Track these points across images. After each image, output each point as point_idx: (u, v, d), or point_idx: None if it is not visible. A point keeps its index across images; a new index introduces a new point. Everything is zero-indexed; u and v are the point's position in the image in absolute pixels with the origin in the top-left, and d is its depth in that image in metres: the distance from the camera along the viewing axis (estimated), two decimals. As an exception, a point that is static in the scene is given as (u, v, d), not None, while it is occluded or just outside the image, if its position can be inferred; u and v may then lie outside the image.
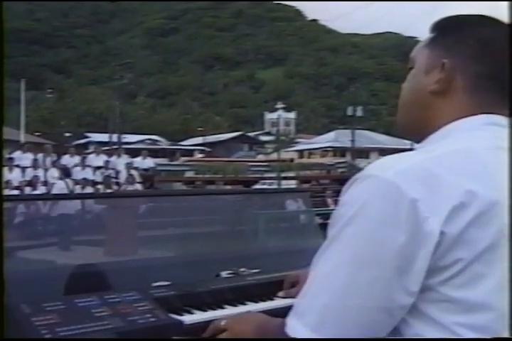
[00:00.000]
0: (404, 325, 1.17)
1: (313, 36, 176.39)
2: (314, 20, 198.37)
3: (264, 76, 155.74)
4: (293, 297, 2.25)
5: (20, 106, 41.46)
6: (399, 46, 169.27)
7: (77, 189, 16.73)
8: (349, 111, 47.23)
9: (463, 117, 1.28)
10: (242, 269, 2.68)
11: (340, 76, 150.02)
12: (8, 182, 16.28)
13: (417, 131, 1.36)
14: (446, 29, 1.36)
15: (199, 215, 3.68)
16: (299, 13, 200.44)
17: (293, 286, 2.34)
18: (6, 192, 15.67)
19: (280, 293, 2.37)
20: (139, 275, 2.45)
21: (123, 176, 18.96)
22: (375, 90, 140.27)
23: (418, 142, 1.36)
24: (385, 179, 1.14)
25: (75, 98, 78.27)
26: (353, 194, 1.18)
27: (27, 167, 17.71)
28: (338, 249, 1.17)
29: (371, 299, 1.13)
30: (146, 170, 20.48)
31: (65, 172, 18.08)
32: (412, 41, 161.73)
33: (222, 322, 1.61)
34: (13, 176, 17.01)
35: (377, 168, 1.19)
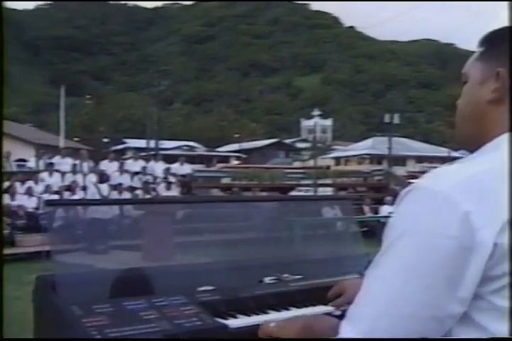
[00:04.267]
0: (455, 333, 1.19)
1: (350, 43, 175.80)
2: (351, 27, 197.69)
3: (301, 83, 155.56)
4: (338, 307, 2.27)
5: (60, 112, 41.97)
6: (436, 53, 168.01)
7: (115, 194, 16.87)
8: (386, 119, 46.89)
9: None
10: (285, 275, 2.70)
11: (377, 83, 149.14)
12: (48, 186, 16.53)
13: (474, 142, 1.37)
14: (495, 41, 1.39)
15: (238, 221, 3.70)
16: (336, 20, 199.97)
17: (338, 296, 2.35)
18: (46, 196, 15.94)
19: (330, 305, 2.37)
20: (184, 279, 2.48)
21: (160, 182, 19.10)
22: (412, 97, 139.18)
23: (472, 152, 1.37)
24: (438, 191, 1.16)
25: (113, 104, 79.09)
26: (406, 206, 1.21)
27: (66, 172, 17.94)
28: (391, 260, 1.19)
29: (423, 308, 1.15)
30: (183, 176, 20.59)
31: (103, 178, 18.28)
32: (449, 48, 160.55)
33: (272, 324, 1.64)
34: (53, 181, 17.26)
35: (430, 179, 1.22)
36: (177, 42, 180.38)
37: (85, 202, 4.54)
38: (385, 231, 1.24)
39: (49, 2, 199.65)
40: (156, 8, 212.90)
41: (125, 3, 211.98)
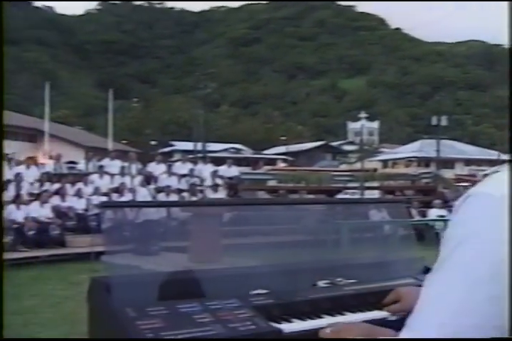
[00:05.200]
0: None
1: (396, 45, 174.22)
2: (397, 28, 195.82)
3: (346, 85, 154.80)
4: (394, 313, 2.23)
5: (108, 115, 42.54)
6: (484, 54, 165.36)
7: (162, 196, 16.99)
8: (433, 121, 46.35)
9: None
10: (338, 279, 2.66)
11: (424, 85, 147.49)
12: (97, 188, 16.75)
13: None
14: None
15: (286, 224, 3.67)
16: (382, 22, 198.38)
17: (393, 302, 2.31)
18: (95, 198, 16.15)
19: (384, 310, 2.32)
20: (236, 282, 2.46)
21: (208, 184, 19.17)
22: (460, 99, 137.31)
23: None
24: (498, 197, 1.12)
25: (160, 107, 79.87)
26: (465, 212, 1.17)
27: (115, 174, 18.15)
28: (452, 268, 1.15)
29: (486, 318, 1.11)
30: (230, 178, 20.63)
31: (151, 180, 18.45)
32: (497, 49, 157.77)
33: (328, 330, 1.61)
34: (102, 183, 17.48)
35: (489, 185, 1.17)
36: (223, 44, 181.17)
37: (138, 204, 4.56)
38: (444, 238, 1.20)
39: (98, 7, 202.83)
40: (202, 12, 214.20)
41: (172, 7, 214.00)
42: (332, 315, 2.34)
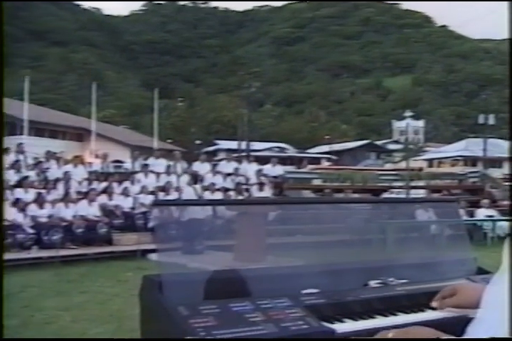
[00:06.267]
0: None
1: (442, 42, 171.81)
2: (443, 26, 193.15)
3: (391, 84, 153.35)
4: (444, 308, 2.19)
5: (154, 115, 42.92)
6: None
7: (208, 195, 17.06)
8: (480, 119, 45.64)
9: None
10: (390, 279, 2.63)
11: (471, 83, 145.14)
12: (143, 187, 16.90)
13: None
14: None
15: (333, 223, 3.64)
16: (427, 19, 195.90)
17: (444, 298, 2.26)
18: (141, 196, 16.31)
19: (434, 303, 2.27)
20: (286, 282, 2.45)
21: (253, 183, 19.20)
22: (507, 97, 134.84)
23: None
24: None
25: (204, 106, 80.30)
26: None
27: (161, 173, 18.29)
28: None
29: None
30: (275, 177, 20.62)
31: (197, 179, 18.54)
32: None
33: (390, 334, 1.59)
34: (148, 181, 17.63)
35: None
36: (267, 44, 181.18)
37: (188, 203, 4.56)
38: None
39: (143, 8, 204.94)
40: (245, 11, 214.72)
41: (216, 7, 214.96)
42: (385, 315, 2.31)
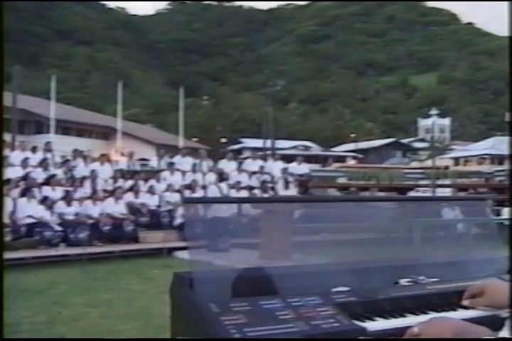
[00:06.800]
0: None
1: (468, 40, 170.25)
2: (470, 23, 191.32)
3: (417, 81, 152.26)
4: (474, 307, 2.18)
5: (179, 113, 43.06)
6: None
7: (233, 193, 17.08)
8: (507, 117, 45.11)
9: None
10: (420, 277, 2.61)
11: (498, 81, 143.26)
12: (169, 185, 16.97)
13: None
14: None
15: (359, 222, 3.63)
16: (453, 17, 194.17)
17: (473, 297, 2.25)
18: (167, 194, 16.39)
19: (465, 302, 2.26)
20: (316, 279, 2.44)
21: (278, 181, 19.21)
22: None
23: None
24: None
25: (230, 104, 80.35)
26: None
27: (186, 171, 18.35)
28: None
29: None
30: (300, 175, 20.61)
31: (222, 177, 18.60)
32: None
33: (416, 329, 1.58)
34: (174, 179, 17.70)
35: None
36: (292, 42, 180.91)
37: (218, 200, 4.57)
38: None
39: (168, 7, 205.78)
40: (270, 10, 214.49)
41: (241, 6, 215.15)
42: (416, 314, 2.30)
